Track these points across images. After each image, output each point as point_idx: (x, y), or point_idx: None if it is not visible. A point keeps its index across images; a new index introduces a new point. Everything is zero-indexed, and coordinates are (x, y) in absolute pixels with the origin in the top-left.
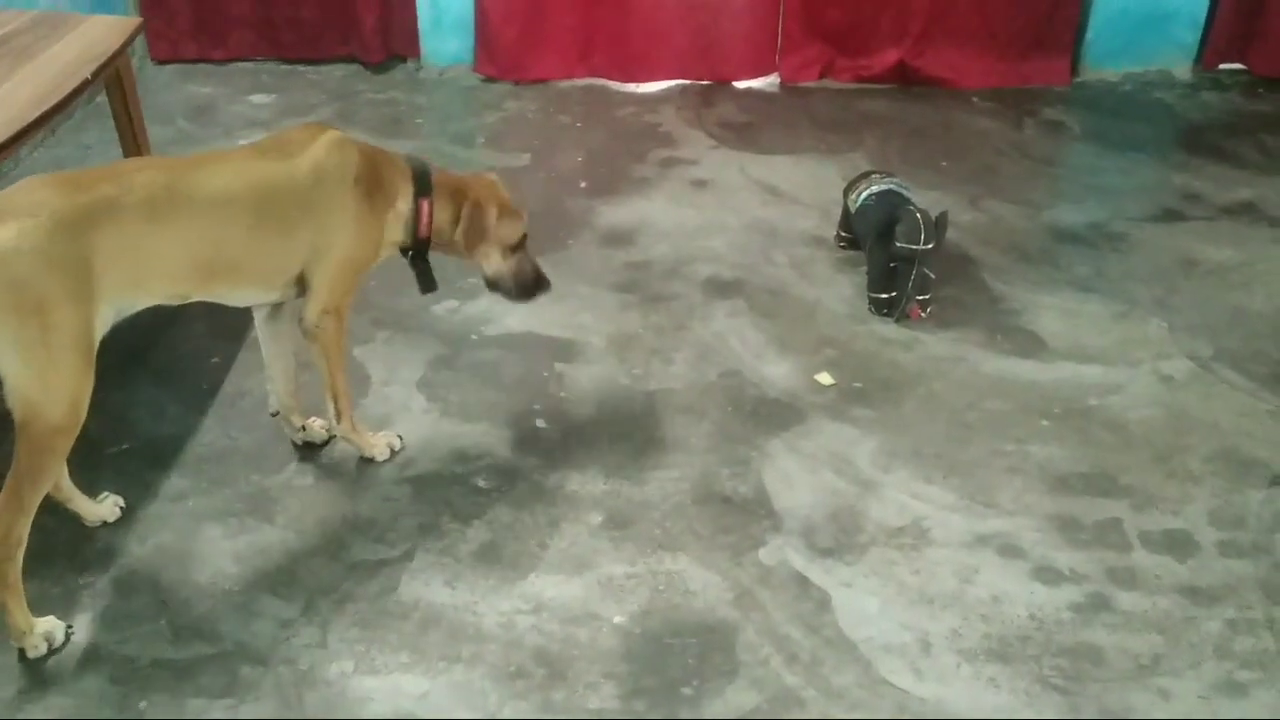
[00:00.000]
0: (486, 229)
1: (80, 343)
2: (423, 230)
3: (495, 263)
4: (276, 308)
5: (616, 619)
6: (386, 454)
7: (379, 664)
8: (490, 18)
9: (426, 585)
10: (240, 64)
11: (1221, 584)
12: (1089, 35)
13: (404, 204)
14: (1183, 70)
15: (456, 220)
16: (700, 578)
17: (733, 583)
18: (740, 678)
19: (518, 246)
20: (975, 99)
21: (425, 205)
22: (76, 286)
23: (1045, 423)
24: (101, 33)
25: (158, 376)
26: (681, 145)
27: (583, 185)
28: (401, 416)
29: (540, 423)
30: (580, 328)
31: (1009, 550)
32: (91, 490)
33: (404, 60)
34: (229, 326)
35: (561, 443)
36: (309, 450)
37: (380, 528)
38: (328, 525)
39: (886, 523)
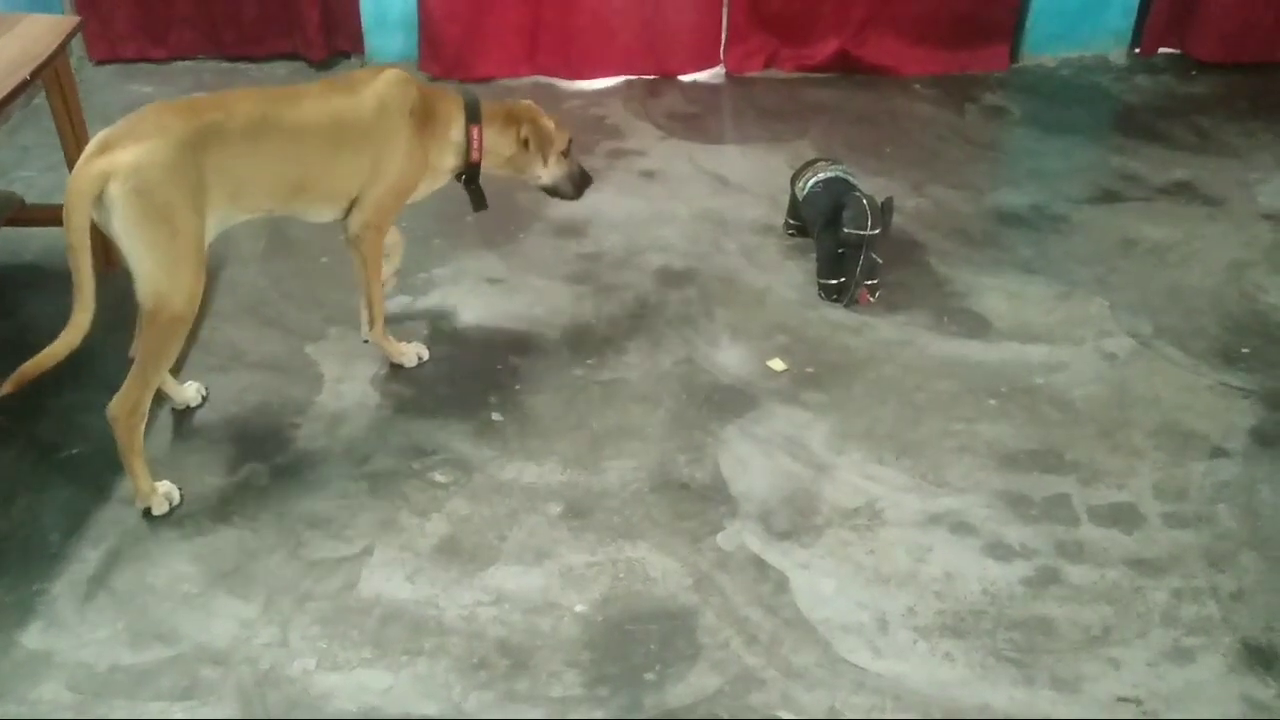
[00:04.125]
0: (552, 137)
1: (198, 246)
2: (474, 154)
3: (552, 169)
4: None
5: (578, 608)
6: (414, 361)
7: (341, 660)
8: (433, 16)
9: (387, 580)
10: (181, 63)
11: (1167, 554)
12: (1028, 21)
13: (457, 132)
14: (1118, 55)
15: (509, 142)
16: (660, 564)
17: (692, 568)
18: (701, 661)
19: (566, 152)
20: (917, 86)
21: (476, 131)
22: (195, 197)
23: (993, 402)
24: (39, 33)
25: (108, 381)
26: (629, 137)
27: None
28: (357, 413)
29: (496, 415)
30: (534, 320)
31: (961, 528)
32: (42, 493)
33: (348, 57)
34: None
35: (518, 435)
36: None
37: (338, 524)
38: (285, 523)
39: (841, 504)
